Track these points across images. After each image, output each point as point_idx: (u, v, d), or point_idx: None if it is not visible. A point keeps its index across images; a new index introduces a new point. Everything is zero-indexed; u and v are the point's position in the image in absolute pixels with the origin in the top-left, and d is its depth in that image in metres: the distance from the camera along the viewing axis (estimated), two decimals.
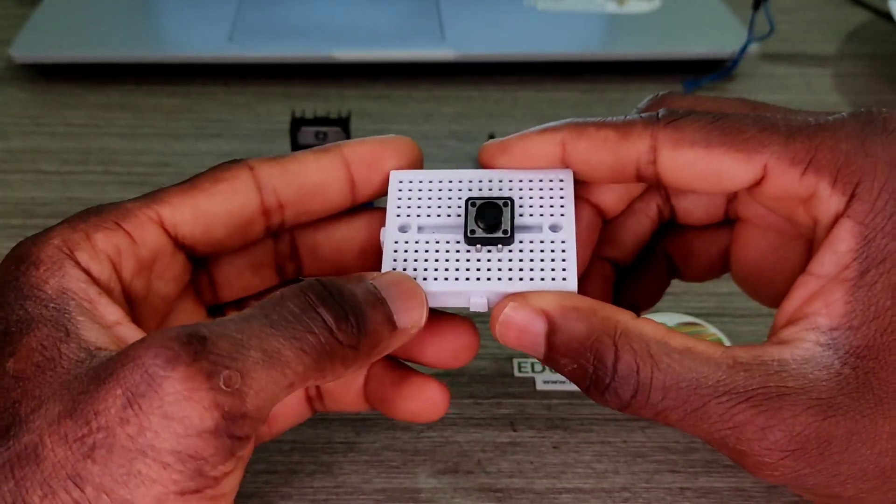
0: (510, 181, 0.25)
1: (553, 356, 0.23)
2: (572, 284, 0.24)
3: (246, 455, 0.21)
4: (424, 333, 0.24)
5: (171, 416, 0.19)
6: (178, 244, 0.25)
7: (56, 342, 0.21)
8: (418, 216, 0.25)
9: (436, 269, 0.24)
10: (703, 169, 0.23)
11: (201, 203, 0.25)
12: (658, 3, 0.55)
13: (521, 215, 0.25)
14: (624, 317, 0.22)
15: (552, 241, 0.24)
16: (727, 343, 0.34)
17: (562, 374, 0.23)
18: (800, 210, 0.23)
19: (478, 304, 0.24)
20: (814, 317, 0.22)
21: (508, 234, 0.24)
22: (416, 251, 0.25)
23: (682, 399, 0.21)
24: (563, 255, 0.24)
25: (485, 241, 0.24)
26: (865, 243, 0.21)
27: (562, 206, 0.25)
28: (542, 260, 0.24)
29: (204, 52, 0.50)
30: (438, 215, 0.25)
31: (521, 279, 0.24)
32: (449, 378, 0.33)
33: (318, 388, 0.28)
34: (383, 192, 0.26)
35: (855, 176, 0.22)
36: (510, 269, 0.24)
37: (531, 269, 0.24)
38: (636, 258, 0.28)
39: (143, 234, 0.24)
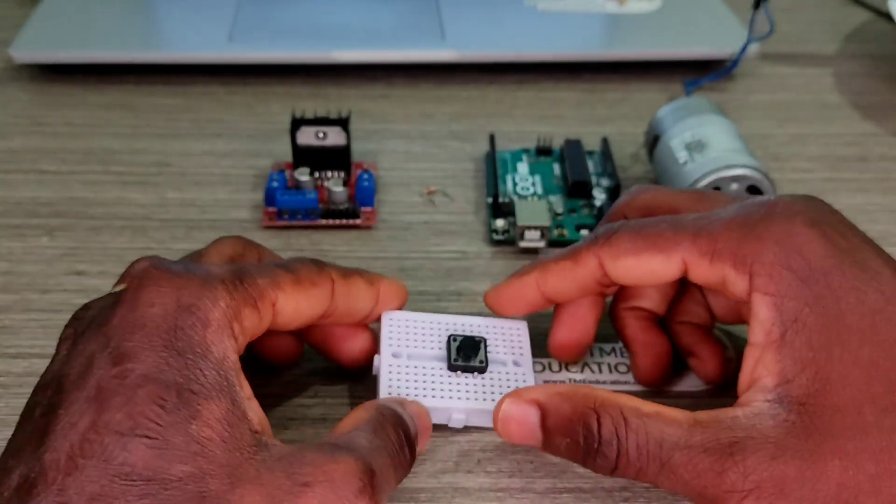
0: (479, 326, 0.32)
1: (549, 438, 0.26)
2: None
3: None
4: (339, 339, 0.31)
5: None
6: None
7: (236, 420, 0.23)
8: (407, 347, 0.31)
9: (423, 390, 0.30)
10: (640, 270, 0.28)
11: (302, 300, 0.27)
12: (658, 3, 0.55)
13: (490, 352, 0.31)
14: (600, 392, 0.26)
15: (516, 373, 0.31)
16: (728, 344, 0.34)
17: (560, 455, 0.27)
18: (721, 289, 0.27)
19: (458, 419, 0.30)
20: (760, 380, 0.25)
21: (483, 365, 0.30)
22: (407, 375, 0.30)
23: (654, 455, 0.24)
24: (525, 383, 0.30)
25: (465, 369, 0.30)
26: (777, 309, 0.25)
27: (521, 348, 0.32)
28: (509, 386, 0.30)
29: (204, 52, 0.50)
30: (424, 347, 0.31)
31: (493, 400, 0.30)
32: None
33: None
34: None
35: (749, 258, 0.26)
36: (484, 392, 0.30)
37: (501, 393, 0.29)
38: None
39: (266, 317, 0.26)
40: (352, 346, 0.31)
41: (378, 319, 0.31)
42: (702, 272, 0.27)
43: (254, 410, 0.24)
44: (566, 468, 0.30)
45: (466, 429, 0.31)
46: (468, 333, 0.31)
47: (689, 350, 0.32)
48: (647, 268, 0.28)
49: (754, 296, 0.26)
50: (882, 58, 0.54)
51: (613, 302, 0.32)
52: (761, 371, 0.25)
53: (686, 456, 0.24)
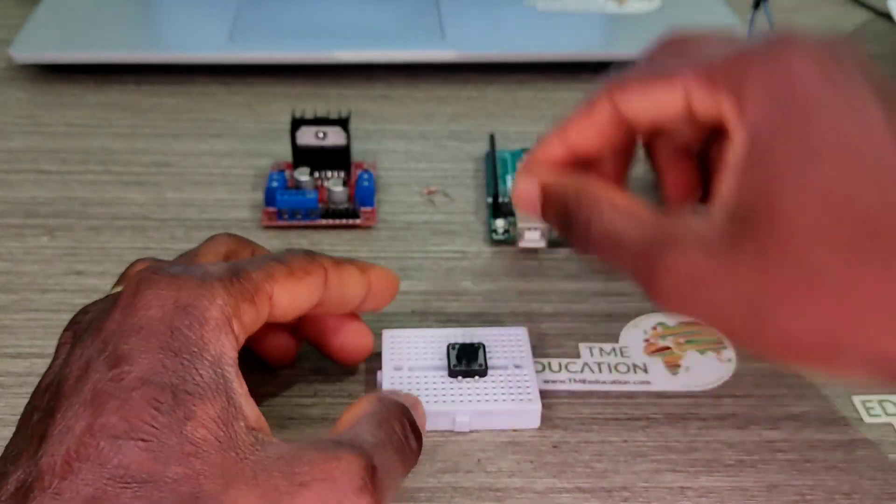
0: (480, 335, 0.32)
1: (545, 212, 0.29)
2: (537, 404, 0.30)
3: None
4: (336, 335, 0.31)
5: None
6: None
7: (231, 418, 0.23)
8: (408, 360, 0.32)
9: (426, 397, 0.30)
10: (647, 101, 0.28)
11: (297, 290, 0.27)
12: (658, 3, 0.55)
13: (490, 358, 0.32)
14: (590, 183, 0.28)
15: (517, 375, 0.31)
16: (727, 344, 0.34)
17: (550, 223, 0.30)
18: (721, 121, 0.27)
19: (462, 422, 0.30)
20: (717, 195, 0.26)
21: (483, 368, 0.31)
22: (409, 385, 0.31)
23: (612, 240, 0.27)
24: (528, 384, 0.31)
25: (465, 374, 0.31)
26: (750, 136, 0.25)
27: (521, 351, 0.32)
28: (510, 387, 0.31)
29: (204, 52, 0.50)
30: (424, 359, 0.32)
31: (496, 400, 0.30)
32: None
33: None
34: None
35: (740, 85, 0.26)
36: (486, 394, 0.31)
37: (503, 393, 0.31)
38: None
39: (264, 309, 0.26)
40: (345, 339, 0.31)
41: (370, 309, 0.31)
42: (702, 102, 0.27)
43: (251, 408, 0.24)
44: (566, 468, 0.30)
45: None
46: (467, 340, 0.32)
47: (660, 167, 0.32)
48: (654, 100, 0.28)
49: (738, 122, 0.26)
50: (882, 58, 0.54)
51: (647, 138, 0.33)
52: (720, 188, 0.26)
53: (633, 248, 0.26)
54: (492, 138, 0.44)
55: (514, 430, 0.31)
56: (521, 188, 0.30)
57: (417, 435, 0.27)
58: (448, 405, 0.30)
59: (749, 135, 0.25)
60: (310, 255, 0.28)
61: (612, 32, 0.53)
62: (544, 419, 0.31)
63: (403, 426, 0.26)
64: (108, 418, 0.22)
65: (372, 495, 0.23)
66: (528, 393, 0.31)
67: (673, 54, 0.29)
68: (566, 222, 0.28)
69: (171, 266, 0.26)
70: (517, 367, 0.31)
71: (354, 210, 0.40)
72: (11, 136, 0.46)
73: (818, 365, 0.25)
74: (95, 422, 0.22)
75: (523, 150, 0.44)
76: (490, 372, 0.31)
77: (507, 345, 0.32)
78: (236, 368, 0.24)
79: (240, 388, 0.24)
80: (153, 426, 0.22)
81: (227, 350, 0.24)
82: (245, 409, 0.23)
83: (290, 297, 0.27)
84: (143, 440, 0.22)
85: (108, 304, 0.25)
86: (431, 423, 0.30)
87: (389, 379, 0.31)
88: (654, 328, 0.35)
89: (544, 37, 0.52)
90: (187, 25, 0.53)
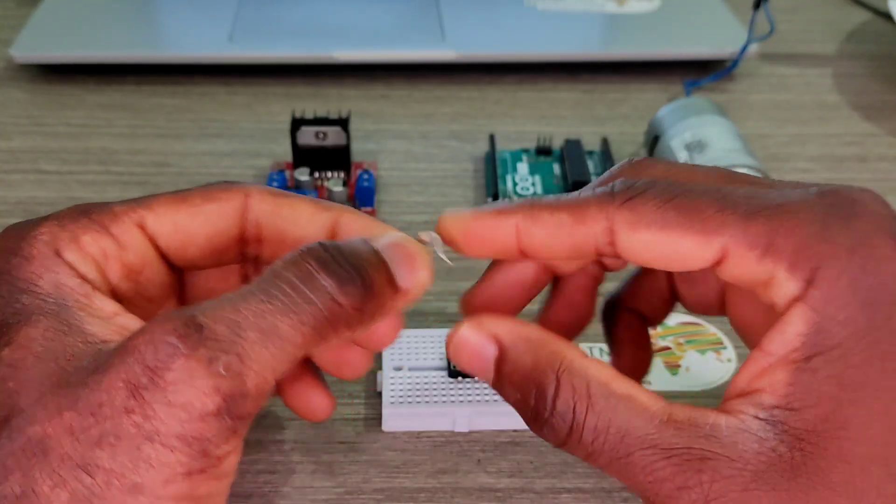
0: None
1: (500, 384, 0.23)
2: None
3: (245, 432, 0.21)
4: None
5: (174, 403, 0.20)
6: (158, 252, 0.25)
7: (59, 334, 0.22)
8: (408, 360, 0.32)
9: (426, 397, 0.30)
10: (662, 250, 0.22)
11: (185, 218, 0.25)
12: (658, 3, 0.55)
13: None
14: (572, 353, 0.22)
15: None
16: (727, 344, 0.34)
17: (508, 402, 0.23)
18: (760, 290, 0.22)
19: (462, 422, 0.30)
20: (758, 393, 0.21)
21: None
22: (409, 385, 0.31)
23: (611, 445, 0.21)
24: None
25: (466, 374, 0.31)
26: (816, 329, 0.21)
27: None
28: None
29: (204, 52, 0.50)
30: (424, 359, 0.32)
31: (496, 400, 0.29)
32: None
33: None
34: None
35: (813, 262, 0.21)
36: (486, 394, 0.30)
37: None
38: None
39: (131, 239, 0.25)
40: (299, 395, 0.28)
41: (370, 322, 0.28)
42: (744, 266, 0.21)
43: (100, 325, 0.22)
44: (566, 468, 0.30)
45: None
46: None
47: (619, 344, 0.28)
48: (674, 249, 0.22)
49: (797, 306, 0.21)
50: (882, 58, 0.54)
51: (611, 296, 0.29)
52: (764, 384, 0.21)
53: (649, 458, 0.21)
54: (492, 138, 0.44)
55: (514, 431, 0.31)
56: (468, 343, 0.23)
57: (340, 275, 0.22)
58: (448, 405, 0.30)
59: (815, 326, 0.21)
60: (230, 183, 0.26)
61: (612, 32, 0.53)
62: None
63: (301, 269, 0.21)
64: None
65: (189, 357, 0.20)
66: None
67: (709, 195, 0.22)
68: (534, 406, 0.22)
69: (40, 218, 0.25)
70: None
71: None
72: (11, 136, 0.46)
73: None
74: None
75: (523, 151, 0.44)
76: None
77: None
78: (80, 292, 0.23)
79: (81, 310, 0.22)
80: None
81: (62, 278, 0.23)
82: (87, 327, 0.22)
83: (172, 225, 0.25)
84: None
85: None
86: (431, 423, 0.30)
87: (389, 380, 0.31)
88: (654, 328, 0.35)
89: (544, 37, 0.52)
90: (187, 25, 0.53)
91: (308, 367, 0.28)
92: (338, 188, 0.40)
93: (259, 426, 0.31)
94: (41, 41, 0.50)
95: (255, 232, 0.26)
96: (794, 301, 0.21)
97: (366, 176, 0.41)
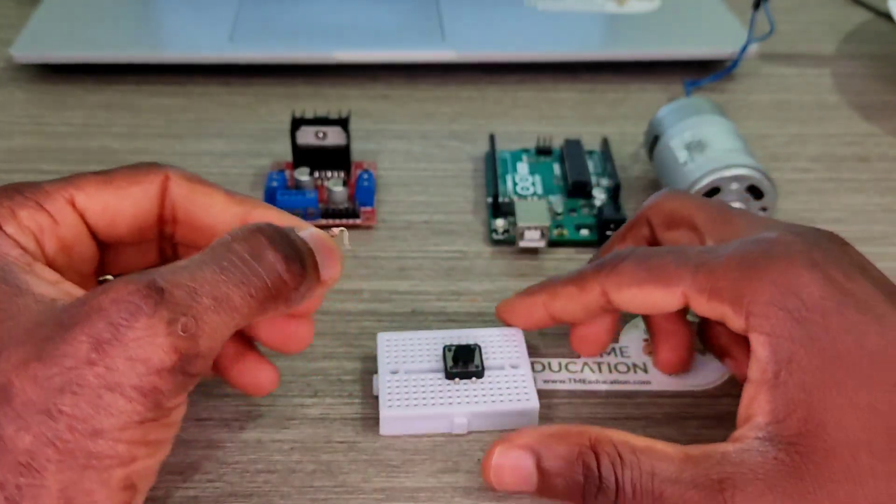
0: (474, 336, 0.32)
1: (546, 480, 0.26)
2: (534, 403, 0.30)
3: (192, 388, 0.23)
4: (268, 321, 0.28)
5: (134, 358, 0.21)
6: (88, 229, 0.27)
7: (11, 296, 0.23)
8: (404, 363, 0.31)
9: (423, 399, 0.30)
10: (642, 300, 0.29)
11: (113, 199, 0.27)
12: (658, 3, 0.55)
13: (486, 359, 0.31)
14: (591, 429, 0.26)
15: (514, 376, 0.31)
16: None
17: (556, 497, 0.26)
18: (727, 324, 0.27)
19: (460, 424, 0.30)
20: (753, 418, 0.25)
21: (480, 369, 0.31)
22: (406, 388, 0.31)
23: (647, 490, 0.24)
24: (524, 383, 0.31)
25: (462, 375, 0.31)
26: (772, 350, 0.25)
27: (517, 351, 0.32)
28: (508, 388, 0.31)
29: (204, 52, 0.50)
30: (420, 362, 0.31)
31: (493, 402, 0.30)
32: None
33: None
34: None
35: (746, 298, 0.26)
36: (483, 396, 0.30)
37: (500, 395, 0.30)
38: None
39: (64, 215, 0.26)
40: (242, 373, 0.29)
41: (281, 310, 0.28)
42: (701, 307, 0.28)
43: (46, 286, 0.24)
44: None
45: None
46: (463, 342, 0.32)
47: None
48: (650, 299, 0.28)
49: (751, 335, 0.26)
50: (882, 58, 0.54)
51: None
52: (755, 409, 0.25)
53: (678, 491, 0.24)
54: (492, 138, 0.44)
55: (514, 430, 0.31)
56: (506, 463, 0.26)
57: (288, 254, 0.24)
58: (445, 407, 0.30)
59: (770, 347, 0.25)
60: (150, 165, 0.28)
61: (612, 32, 0.53)
62: (545, 419, 0.31)
63: (252, 245, 0.24)
64: None
65: (151, 316, 0.22)
66: (526, 393, 0.31)
67: (671, 254, 0.28)
68: (584, 481, 0.25)
69: None
70: (514, 367, 0.31)
71: (354, 210, 0.40)
72: (11, 136, 0.46)
73: None
74: None
75: (524, 151, 0.44)
76: (487, 373, 0.31)
77: (503, 345, 0.32)
78: (23, 261, 0.24)
79: (27, 275, 0.24)
80: None
81: (4, 248, 0.24)
82: (35, 289, 0.23)
83: (102, 204, 0.27)
84: None
85: None
86: (429, 426, 0.30)
87: (386, 383, 0.31)
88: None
89: (544, 37, 0.52)
90: (187, 25, 0.53)
91: (249, 345, 0.29)
92: (338, 188, 0.40)
93: (259, 426, 0.31)
94: (41, 41, 0.50)
95: (172, 213, 0.28)
96: (746, 332, 0.26)
97: (366, 176, 0.41)
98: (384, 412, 0.30)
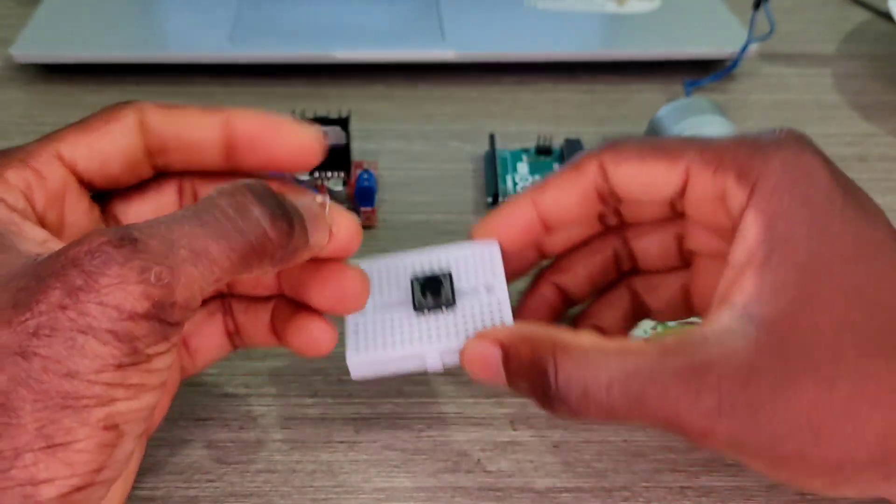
0: (447, 258, 0.30)
1: (512, 380, 0.26)
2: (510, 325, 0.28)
3: (178, 341, 0.23)
4: (315, 279, 0.28)
5: (106, 304, 0.21)
6: (80, 179, 0.27)
7: None
8: (371, 297, 0.29)
9: (392, 338, 0.28)
10: (642, 177, 0.28)
11: (95, 141, 0.27)
12: (658, 3, 0.55)
13: (459, 282, 0.29)
14: (562, 334, 0.25)
15: (489, 302, 0.28)
16: None
17: (522, 395, 0.25)
18: (721, 213, 0.27)
19: (433, 363, 0.28)
20: (731, 299, 0.25)
21: (451, 300, 0.28)
22: (374, 327, 0.28)
23: (623, 391, 0.23)
24: (500, 309, 0.28)
25: (432, 308, 0.28)
26: (767, 227, 0.25)
27: (492, 271, 0.29)
28: (482, 316, 0.28)
29: (204, 52, 0.50)
30: (389, 295, 0.29)
31: (466, 336, 0.28)
32: (450, 377, 0.33)
33: (235, 323, 0.30)
34: (265, 167, 0.28)
35: (753, 172, 0.26)
36: (457, 330, 0.28)
37: (475, 325, 0.28)
38: (597, 292, 0.32)
39: (49, 169, 0.26)
40: (301, 337, 0.29)
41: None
42: (703, 183, 0.27)
43: (29, 243, 0.24)
44: (566, 468, 0.30)
45: (466, 428, 0.31)
46: (432, 270, 0.29)
47: (689, 258, 0.31)
48: (650, 175, 0.27)
49: (747, 213, 0.25)
50: (882, 58, 0.54)
51: (539, 272, 0.32)
52: (734, 290, 0.25)
53: (659, 386, 0.23)
54: (492, 138, 0.44)
55: (514, 430, 0.31)
56: (477, 355, 0.26)
57: (274, 211, 0.24)
58: (415, 346, 0.28)
59: (766, 227, 0.25)
60: (119, 104, 0.28)
61: (612, 32, 0.53)
62: (545, 419, 0.31)
63: (237, 200, 0.23)
64: None
65: (123, 265, 0.21)
66: (501, 318, 0.28)
67: (672, 137, 0.29)
68: (542, 388, 0.25)
69: None
70: (489, 290, 0.29)
71: (354, 210, 0.40)
72: (11, 136, 0.46)
73: (867, 485, 0.24)
74: None
75: (524, 151, 0.44)
76: (459, 301, 0.29)
77: (476, 265, 0.29)
78: (11, 221, 0.25)
79: (14, 235, 0.24)
80: None
81: None
82: (19, 245, 0.24)
83: (88, 150, 0.27)
84: None
85: None
86: (400, 366, 0.28)
87: (353, 323, 0.29)
88: (654, 328, 0.35)
89: (544, 37, 0.52)
90: (187, 25, 0.53)
91: (302, 306, 0.29)
92: (338, 188, 0.40)
93: (259, 426, 0.31)
94: (41, 41, 0.50)
95: (158, 142, 0.28)
96: (745, 209, 0.25)
97: (366, 176, 0.41)
98: (350, 356, 0.28)
